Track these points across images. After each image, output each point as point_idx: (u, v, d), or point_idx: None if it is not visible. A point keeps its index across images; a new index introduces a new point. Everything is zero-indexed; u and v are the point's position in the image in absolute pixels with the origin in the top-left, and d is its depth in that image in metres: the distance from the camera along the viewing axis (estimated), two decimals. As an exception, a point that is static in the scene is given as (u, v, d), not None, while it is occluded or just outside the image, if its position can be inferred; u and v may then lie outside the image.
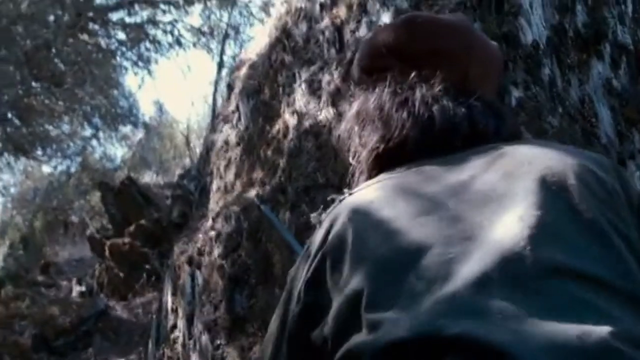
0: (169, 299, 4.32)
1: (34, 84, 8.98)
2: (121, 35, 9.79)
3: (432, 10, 2.20)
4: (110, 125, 11.63)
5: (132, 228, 7.91)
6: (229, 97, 4.98)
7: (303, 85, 3.36)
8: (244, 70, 4.40)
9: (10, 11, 7.80)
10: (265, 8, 10.36)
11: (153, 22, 9.88)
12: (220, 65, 11.94)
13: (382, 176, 1.06)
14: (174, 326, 4.08)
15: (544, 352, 0.74)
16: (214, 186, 4.53)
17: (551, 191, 0.92)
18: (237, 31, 12.12)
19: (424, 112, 1.11)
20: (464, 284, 0.82)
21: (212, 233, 3.90)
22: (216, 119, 5.71)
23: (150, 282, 7.19)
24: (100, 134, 12.20)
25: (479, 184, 0.96)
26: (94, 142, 12.59)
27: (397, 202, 0.99)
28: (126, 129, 13.21)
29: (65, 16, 8.36)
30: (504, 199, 0.93)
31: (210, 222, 4.00)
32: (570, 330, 0.76)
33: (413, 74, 1.16)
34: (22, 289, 8.53)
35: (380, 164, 1.11)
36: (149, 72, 10.21)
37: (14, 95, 8.70)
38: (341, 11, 3.02)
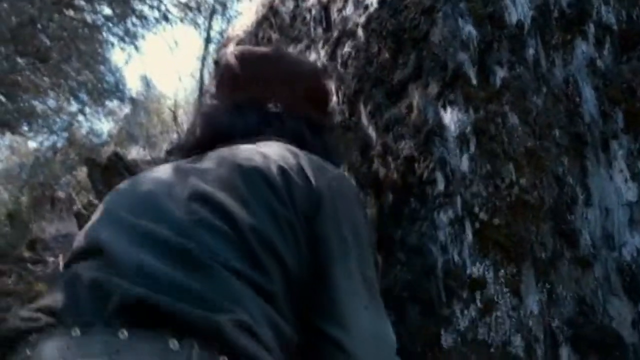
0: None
1: (19, 60, 8.90)
2: (107, 11, 9.70)
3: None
4: (97, 100, 11.57)
5: (119, 204, 7.87)
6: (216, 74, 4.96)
7: (290, 63, 3.36)
8: (230, 47, 4.38)
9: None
10: (253, -17, 10.27)
11: (139, -3, 9.81)
12: (208, 40, 11.89)
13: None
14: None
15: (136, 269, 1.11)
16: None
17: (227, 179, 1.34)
18: (224, 6, 12.05)
19: (208, 121, 1.66)
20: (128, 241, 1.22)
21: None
22: (203, 95, 5.69)
23: (137, 258, 7.15)
24: (87, 109, 12.15)
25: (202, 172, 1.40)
26: (80, 117, 12.55)
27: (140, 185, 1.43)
28: (113, 104, 13.15)
29: (50, -9, 8.28)
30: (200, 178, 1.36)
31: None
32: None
33: (215, 95, 1.78)
34: (9, 266, 8.50)
35: (182, 154, 1.63)
36: (136, 48, 10.17)
37: (-1, 71, 8.63)
38: (328, -11, 3.01)
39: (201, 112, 1.74)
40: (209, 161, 1.45)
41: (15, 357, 1.06)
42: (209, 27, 12.00)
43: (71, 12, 9.29)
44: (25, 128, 11.61)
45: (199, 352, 0.99)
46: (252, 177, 1.34)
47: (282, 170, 1.36)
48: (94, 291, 1.07)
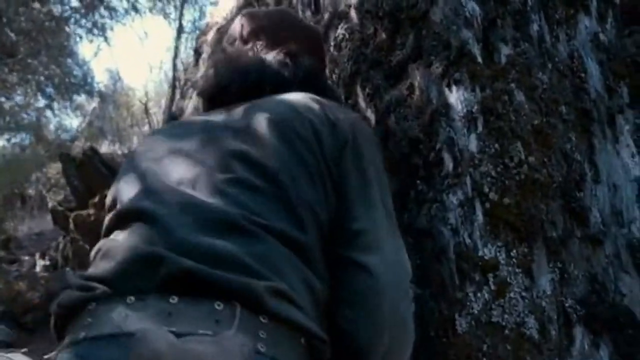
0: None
1: (-15, 55, 8.72)
2: (75, 3, 9.53)
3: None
4: (64, 95, 11.40)
5: (96, 199, 7.77)
6: (196, 63, 4.89)
7: (276, 49, 3.29)
8: (211, 35, 4.31)
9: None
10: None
11: (108, -12, 9.65)
12: (180, 30, 11.75)
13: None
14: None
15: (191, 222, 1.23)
16: (184, 154, 4.45)
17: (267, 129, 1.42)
18: (195, -4, 11.92)
19: (240, 71, 1.69)
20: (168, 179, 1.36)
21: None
22: (184, 85, 5.62)
23: (117, 254, 7.04)
24: (55, 105, 11.98)
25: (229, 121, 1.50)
26: (48, 112, 12.37)
27: (171, 134, 1.54)
28: (81, 98, 12.99)
29: (17, -16, 8.10)
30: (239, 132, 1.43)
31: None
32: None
33: (234, 46, 1.83)
34: (-16, 265, 8.36)
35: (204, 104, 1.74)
36: (105, 40, 10.02)
37: (-34, 67, 8.44)
38: (314, -29, 2.96)
39: (227, 60, 1.79)
40: (241, 116, 1.51)
41: (77, 325, 1.16)
42: (181, 16, 11.87)
43: (37, 5, 9.11)
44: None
45: (242, 310, 1.10)
46: (283, 130, 1.42)
47: (310, 121, 1.45)
48: (144, 263, 1.17)
